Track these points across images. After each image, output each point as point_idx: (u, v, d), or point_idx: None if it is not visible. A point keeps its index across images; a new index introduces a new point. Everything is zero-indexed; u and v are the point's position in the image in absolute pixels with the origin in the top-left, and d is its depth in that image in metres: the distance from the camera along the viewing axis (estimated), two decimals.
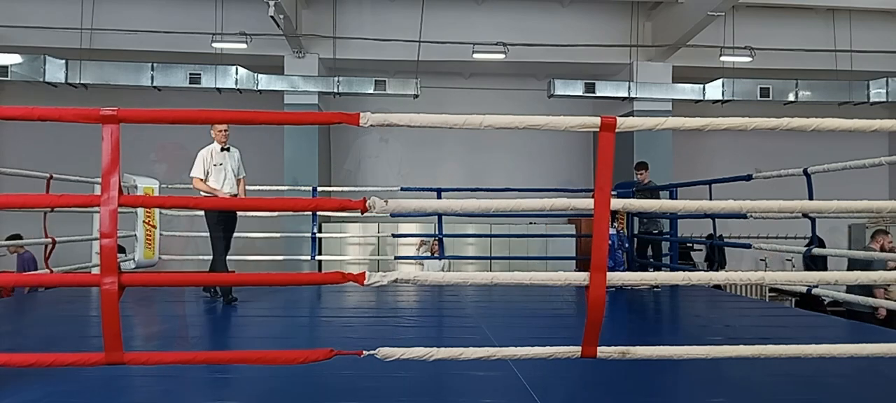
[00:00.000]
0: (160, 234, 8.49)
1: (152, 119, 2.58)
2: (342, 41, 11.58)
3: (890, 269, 6.53)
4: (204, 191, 6.04)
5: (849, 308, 7.37)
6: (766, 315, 6.47)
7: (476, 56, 11.48)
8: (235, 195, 6.21)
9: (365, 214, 2.40)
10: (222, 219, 6.11)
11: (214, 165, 6.09)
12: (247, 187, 6.58)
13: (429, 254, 10.21)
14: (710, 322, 6.04)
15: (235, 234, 6.37)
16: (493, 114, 2.44)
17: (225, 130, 6.17)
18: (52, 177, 6.58)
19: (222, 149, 6.15)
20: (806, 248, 5.79)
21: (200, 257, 8.85)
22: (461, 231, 11.38)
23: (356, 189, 10.59)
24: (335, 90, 11.40)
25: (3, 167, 6.99)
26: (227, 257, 6.26)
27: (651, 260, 8.57)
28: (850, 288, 6.40)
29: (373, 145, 13.67)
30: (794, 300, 10.65)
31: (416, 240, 10.97)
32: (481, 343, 4.46)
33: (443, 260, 9.70)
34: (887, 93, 11.92)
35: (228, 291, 6.20)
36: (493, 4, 11.94)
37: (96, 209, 2.30)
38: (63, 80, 10.72)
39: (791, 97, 11.99)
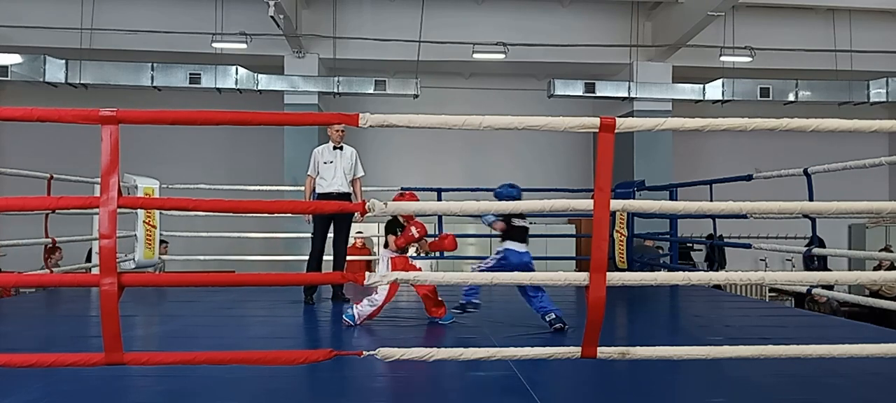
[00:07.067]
0: (160, 234, 8.49)
1: (152, 120, 2.59)
2: (342, 41, 11.58)
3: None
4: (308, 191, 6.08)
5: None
6: (766, 315, 6.47)
7: (476, 56, 11.47)
8: (346, 194, 6.06)
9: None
10: (319, 219, 6.04)
11: (324, 163, 5.99)
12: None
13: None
14: (710, 322, 6.04)
15: (235, 234, 6.29)
16: (493, 115, 2.44)
17: (339, 129, 6.00)
18: (52, 178, 6.57)
19: (334, 148, 6.02)
20: (806, 248, 5.80)
21: (201, 257, 8.89)
22: (461, 231, 11.35)
23: None
24: (335, 90, 11.41)
25: (3, 167, 6.99)
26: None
27: None
28: None
29: (373, 145, 13.65)
30: (793, 300, 10.65)
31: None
32: (481, 344, 4.48)
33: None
34: (887, 93, 11.93)
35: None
36: (493, 4, 11.94)
37: (96, 210, 2.30)
38: (63, 80, 10.73)
39: (791, 97, 12.00)
